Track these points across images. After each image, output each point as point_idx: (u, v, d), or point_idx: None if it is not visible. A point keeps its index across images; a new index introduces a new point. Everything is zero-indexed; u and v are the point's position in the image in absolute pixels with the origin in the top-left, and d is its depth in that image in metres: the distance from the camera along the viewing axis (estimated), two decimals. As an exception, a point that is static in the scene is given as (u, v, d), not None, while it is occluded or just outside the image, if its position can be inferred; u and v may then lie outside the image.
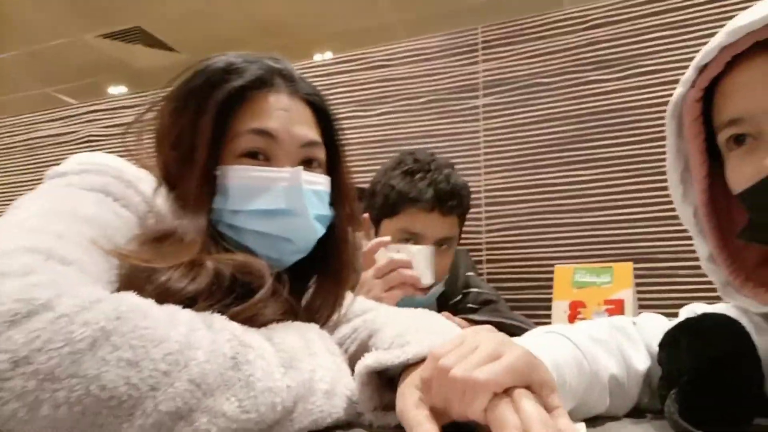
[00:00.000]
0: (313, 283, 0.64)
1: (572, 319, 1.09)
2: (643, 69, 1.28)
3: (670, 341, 0.47)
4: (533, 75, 1.38)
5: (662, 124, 1.38)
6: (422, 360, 0.45)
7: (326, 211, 0.61)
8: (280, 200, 0.56)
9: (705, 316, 0.48)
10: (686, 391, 0.43)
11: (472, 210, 1.38)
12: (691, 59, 1.41)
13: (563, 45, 1.36)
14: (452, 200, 1.02)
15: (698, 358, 0.44)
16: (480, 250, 1.37)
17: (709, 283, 1.24)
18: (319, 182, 0.60)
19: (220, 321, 0.45)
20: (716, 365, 0.44)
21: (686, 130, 0.53)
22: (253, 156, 0.57)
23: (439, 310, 1.06)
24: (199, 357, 0.39)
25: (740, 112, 0.47)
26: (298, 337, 0.50)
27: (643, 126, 1.26)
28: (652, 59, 1.27)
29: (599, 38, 1.33)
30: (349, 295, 0.67)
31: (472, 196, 1.39)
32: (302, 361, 0.47)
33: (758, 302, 0.51)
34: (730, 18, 1.40)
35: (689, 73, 0.50)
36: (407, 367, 0.47)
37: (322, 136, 0.62)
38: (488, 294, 1.14)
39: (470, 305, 1.12)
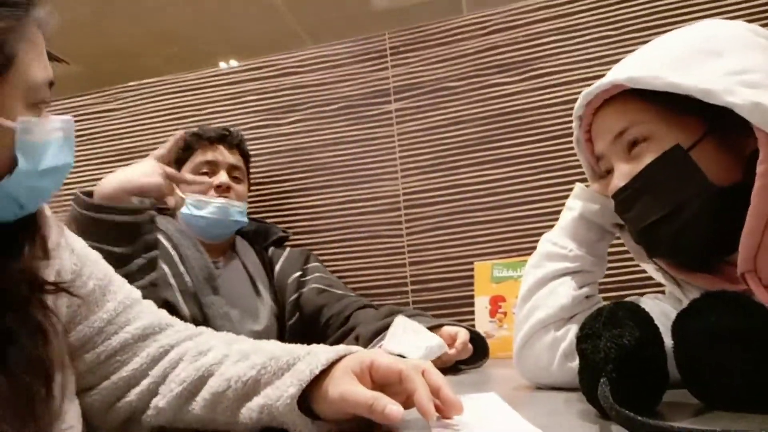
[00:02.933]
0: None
1: (494, 313, 1.14)
2: (541, 71, 1.36)
3: (591, 333, 0.51)
4: (440, 79, 1.43)
5: (562, 123, 1.45)
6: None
7: None
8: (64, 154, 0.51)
9: (616, 307, 0.53)
10: (612, 378, 0.47)
11: (391, 214, 1.40)
12: (580, 61, 1.50)
13: (465, 50, 1.42)
14: (232, 138, 1.30)
15: (619, 347, 0.48)
16: (402, 253, 1.40)
17: (618, 270, 1.34)
18: None
19: None
20: (634, 351, 0.48)
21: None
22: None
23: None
24: None
25: (600, 152, 0.69)
26: None
27: (546, 125, 1.34)
28: (547, 62, 1.36)
29: (498, 43, 1.40)
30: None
31: (392, 200, 1.41)
32: None
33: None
34: (613, 23, 1.50)
35: (575, 123, 0.72)
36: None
37: None
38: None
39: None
